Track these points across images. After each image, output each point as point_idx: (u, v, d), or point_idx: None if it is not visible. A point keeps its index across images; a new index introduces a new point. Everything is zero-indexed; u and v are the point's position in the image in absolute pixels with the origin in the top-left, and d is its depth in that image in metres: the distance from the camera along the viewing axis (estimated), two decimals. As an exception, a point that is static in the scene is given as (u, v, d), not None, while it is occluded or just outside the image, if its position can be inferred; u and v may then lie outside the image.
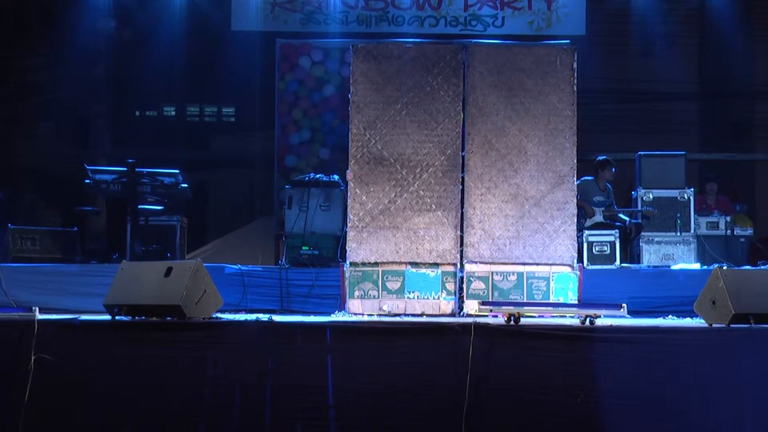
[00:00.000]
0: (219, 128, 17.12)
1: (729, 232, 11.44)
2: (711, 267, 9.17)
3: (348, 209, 8.64)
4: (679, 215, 11.35)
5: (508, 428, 6.26)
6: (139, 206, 10.11)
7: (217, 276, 7.57)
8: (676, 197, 11.46)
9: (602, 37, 14.92)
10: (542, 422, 6.24)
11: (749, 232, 11.69)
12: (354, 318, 8.14)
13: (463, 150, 8.61)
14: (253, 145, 15.21)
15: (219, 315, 7.03)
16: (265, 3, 13.28)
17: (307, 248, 10.22)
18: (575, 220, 8.73)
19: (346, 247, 8.60)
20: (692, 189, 11.53)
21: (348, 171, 8.66)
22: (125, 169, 10.04)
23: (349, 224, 8.60)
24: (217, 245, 14.75)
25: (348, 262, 8.54)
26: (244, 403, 6.32)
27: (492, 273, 8.56)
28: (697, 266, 10.48)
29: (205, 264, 6.99)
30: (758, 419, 6.26)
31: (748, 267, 10.18)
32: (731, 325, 6.65)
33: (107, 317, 6.83)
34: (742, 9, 15.47)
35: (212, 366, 6.37)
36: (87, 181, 10.19)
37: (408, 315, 8.29)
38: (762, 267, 10.31)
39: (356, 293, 8.49)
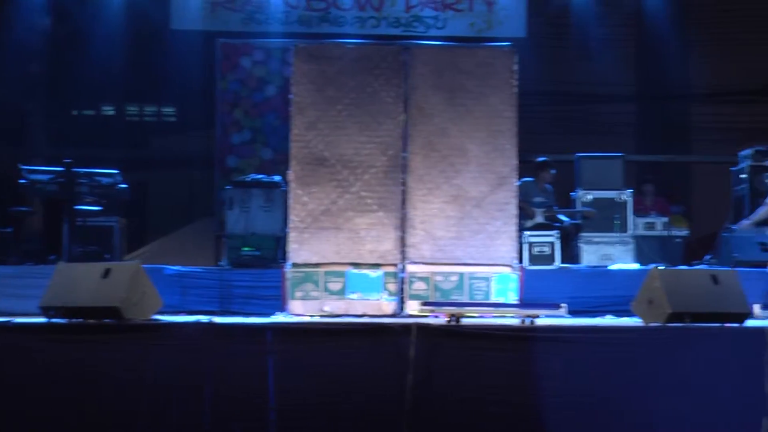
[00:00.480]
0: (159, 128, 16.93)
1: (665, 232, 11.62)
2: (648, 267, 9.31)
3: (289, 210, 8.62)
4: (617, 216, 11.49)
5: (450, 429, 6.29)
6: (77, 207, 9.97)
7: (156, 277, 7.49)
8: (615, 198, 11.60)
9: (542, 40, 15.05)
10: (484, 422, 6.29)
11: (685, 232, 11.89)
12: (295, 319, 8.13)
13: (404, 151, 8.64)
14: (193, 146, 15.08)
15: (158, 317, 6.97)
16: (205, 2, 13.18)
17: (248, 249, 10.17)
18: (516, 220, 8.81)
19: (288, 248, 8.58)
20: (630, 190, 11.69)
21: (289, 171, 8.64)
22: (62, 168, 9.91)
23: (290, 225, 8.58)
24: (156, 246, 14.59)
25: (289, 263, 8.52)
26: (183, 406, 6.27)
27: (433, 274, 8.62)
28: (634, 266, 10.63)
29: (144, 265, 6.93)
30: (695, 416, 6.38)
31: (683, 267, 10.36)
32: (667, 324, 6.77)
33: (43, 319, 6.72)
34: (678, 13, 15.72)
35: (151, 368, 6.30)
36: (22, 181, 10.02)
37: (350, 316, 8.30)
38: (697, 267, 10.50)
39: (297, 294, 8.47)
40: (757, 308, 7.17)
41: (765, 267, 10.06)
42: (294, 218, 8.56)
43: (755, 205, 11.41)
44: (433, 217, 8.64)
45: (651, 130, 16.52)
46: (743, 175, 11.67)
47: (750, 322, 7.05)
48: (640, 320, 7.19)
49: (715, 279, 7.18)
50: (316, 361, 6.32)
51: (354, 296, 8.50)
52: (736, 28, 16.46)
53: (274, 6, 13.03)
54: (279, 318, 8.16)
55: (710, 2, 16.50)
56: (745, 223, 9.65)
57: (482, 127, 8.73)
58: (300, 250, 8.53)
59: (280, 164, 10.96)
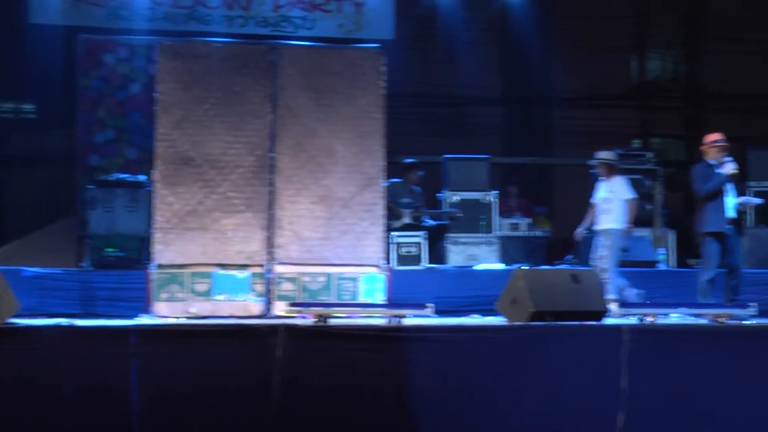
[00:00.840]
0: (17, 125, 16.32)
1: (529, 233, 11.90)
2: (512, 267, 9.52)
3: (154, 210, 8.47)
4: (482, 217, 11.71)
5: (320, 429, 6.29)
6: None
7: (13, 279, 7.25)
8: (480, 200, 11.81)
9: (411, 42, 15.19)
10: (354, 422, 6.31)
11: (548, 233, 12.21)
12: (160, 321, 7.98)
13: (272, 151, 8.60)
14: (54, 144, 14.61)
15: (15, 320, 6.73)
16: (66, -4, 12.79)
17: (111, 250, 9.98)
18: (383, 221, 8.88)
19: (153, 249, 8.42)
20: (495, 192, 11.92)
21: (154, 171, 8.49)
22: None
23: (155, 225, 8.43)
24: (14, 247, 14.08)
25: (154, 264, 8.37)
26: (41, 411, 6.08)
27: (301, 274, 8.61)
28: (499, 266, 10.85)
29: (0, 267, 6.69)
30: (556, 411, 6.56)
31: (546, 267, 10.64)
32: (530, 323, 6.94)
33: None
34: (541, 19, 16.12)
35: (6, 374, 6.09)
36: None
37: (216, 317, 8.21)
38: (559, 267, 10.79)
39: (163, 296, 8.34)
40: (614, 306, 7.41)
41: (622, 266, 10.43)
42: (159, 218, 8.41)
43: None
44: (301, 218, 8.63)
45: (515, 132, 16.89)
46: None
47: (608, 320, 7.29)
48: (505, 319, 7.34)
49: (575, 278, 7.40)
50: (182, 363, 6.22)
51: (221, 297, 8.41)
52: (597, 36, 16.99)
53: (138, 2, 12.75)
54: (143, 320, 8.00)
55: (572, 10, 16.98)
56: (580, 230, 9.97)
57: (350, 128, 8.76)
58: (165, 251, 8.38)
59: (145, 163, 10.72)
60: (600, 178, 9.79)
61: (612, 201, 9.55)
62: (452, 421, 6.46)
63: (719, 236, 8.96)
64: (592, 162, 9.83)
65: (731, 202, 8.97)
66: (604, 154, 9.75)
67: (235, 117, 8.54)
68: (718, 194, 8.99)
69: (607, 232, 9.46)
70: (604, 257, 9.32)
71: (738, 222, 9.01)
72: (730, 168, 8.92)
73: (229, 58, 8.63)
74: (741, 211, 9.04)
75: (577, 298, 7.26)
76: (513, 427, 6.53)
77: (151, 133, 8.79)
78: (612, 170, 9.67)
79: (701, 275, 9.09)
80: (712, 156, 9.10)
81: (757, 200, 9.11)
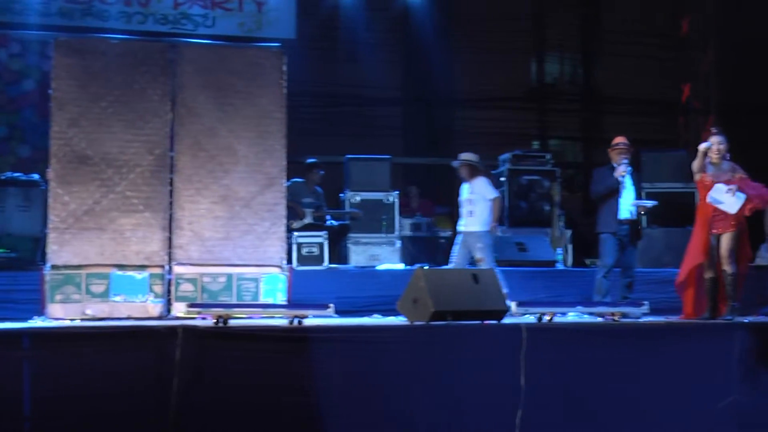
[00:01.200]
0: None
1: (431, 233, 11.99)
2: (414, 267, 9.59)
3: (49, 210, 8.27)
4: (384, 217, 11.75)
5: (219, 430, 6.24)
6: None
7: None
8: (382, 200, 11.85)
9: (312, 42, 15.15)
10: (256, 422, 6.28)
11: (449, 233, 12.32)
12: (55, 323, 7.80)
13: (172, 150, 8.49)
14: (-58, 141, 14.15)
15: None
16: (-49, -11, 12.38)
17: (3, 250, 9.75)
18: (285, 221, 8.85)
19: (47, 250, 8.23)
20: (397, 192, 11.98)
21: (48, 170, 8.29)
22: None
23: (50, 225, 8.24)
24: None
25: (48, 265, 8.18)
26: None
27: (201, 275, 8.53)
28: (400, 266, 10.90)
29: None
30: (457, 410, 6.64)
31: (447, 267, 10.74)
32: (431, 323, 7.00)
33: None
34: (443, 19, 16.28)
35: None
36: None
37: (113, 319, 8.06)
38: (459, 267, 10.89)
39: (57, 297, 8.15)
40: (513, 305, 7.53)
41: (521, 266, 10.61)
42: (54, 218, 8.22)
43: (512, 207, 12.00)
44: (201, 218, 8.55)
45: (417, 133, 17.00)
46: (502, 178, 12.24)
47: (507, 319, 7.41)
48: (406, 319, 7.40)
49: (475, 278, 7.50)
50: (77, 366, 6.09)
51: (118, 299, 8.26)
52: (497, 38, 17.23)
53: (32, -5, 12.41)
54: (37, 323, 7.80)
55: (473, 11, 17.17)
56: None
57: (251, 127, 8.71)
58: (60, 251, 8.20)
59: (39, 162, 10.48)
60: (463, 179, 9.88)
61: (475, 202, 9.66)
62: (355, 421, 6.48)
63: (613, 236, 9.19)
64: (454, 163, 9.93)
65: (627, 203, 9.17)
66: (466, 156, 9.86)
67: (134, 115, 8.40)
68: (611, 195, 9.20)
69: (475, 234, 9.58)
70: (481, 260, 9.45)
71: (635, 223, 9.20)
72: (619, 171, 9.15)
73: (126, 55, 8.49)
74: (639, 213, 9.23)
75: (478, 298, 7.36)
76: (416, 427, 6.58)
77: (45, 131, 8.58)
78: (474, 171, 9.77)
79: (598, 274, 9.30)
80: (614, 159, 9.31)
81: (651, 202, 9.33)
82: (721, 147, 8.27)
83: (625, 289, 9.14)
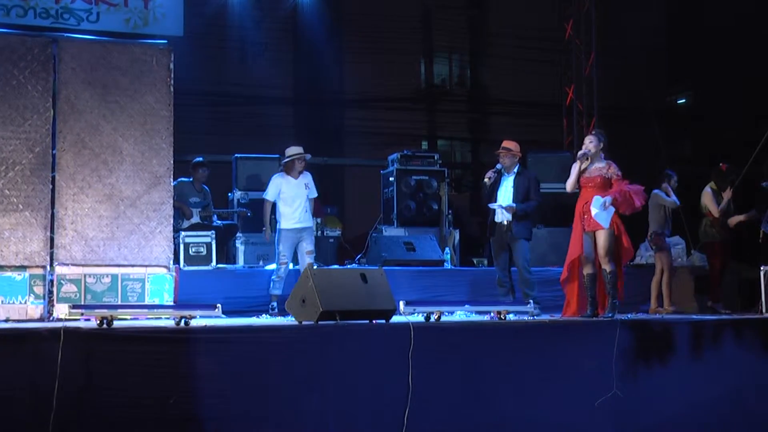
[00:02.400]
0: None
1: (319, 233, 11.97)
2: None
3: None
4: (273, 217, 11.66)
5: (105, 433, 6.11)
6: None
7: None
8: (271, 199, 11.76)
9: (200, 40, 15.01)
10: (142, 427, 6.15)
11: (338, 233, 12.33)
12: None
13: (54, 148, 8.27)
14: None
15: None
16: None
17: None
18: (171, 221, 8.73)
19: None
20: (286, 191, 11.89)
21: None
22: None
23: (-77, 225, 7.92)
24: None
25: None
26: None
27: (85, 275, 8.34)
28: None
29: None
30: (339, 409, 6.63)
31: (336, 266, 10.75)
32: (319, 322, 6.98)
33: None
34: (332, 20, 16.31)
35: None
36: None
37: (-9, 321, 7.81)
38: (349, 266, 10.93)
39: (-69, 299, 7.85)
40: (402, 305, 7.56)
41: (410, 265, 10.69)
42: (-72, 219, 7.92)
43: (401, 206, 12.09)
44: (85, 217, 8.35)
45: (306, 132, 16.98)
46: (391, 178, 12.31)
47: (396, 318, 7.44)
48: (294, 319, 7.37)
49: (364, 278, 7.51)
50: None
51: (-5, 300, 8.01)
52: (386, 39, 17.34)
53: None
54: None
55: (364, 12, 17.25)
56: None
57: (137, 125, 8.56)
58: (-66, 252, 7.91)
59: None
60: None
61: (309, 197, 9.81)
62: (242, 423, 6.42)
63: (491, 237, 9.41)
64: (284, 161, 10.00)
65: (496, 205, 9.34)
66: (293, 150, 9.97)
67: (12, 111, 8.15)
68: (488, 199, 9.38)
69: (311, 229, 9.74)
70: (311, 252, 9.58)
71: (511, 224, 9.31)
72: (486, 175, 9.34)
73: (4, 50, 8.21)
74: (514, 214, 9.34)
75: (366, 298, 7.37)
76: (304, 427, 6.56)
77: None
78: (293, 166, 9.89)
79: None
80: (501, 161, 9.45)
81: (507, 204, 9.37)
82: (591, 145, 8.51)
83: (523, 287, 9.28)
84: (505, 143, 9.47)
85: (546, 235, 11.73)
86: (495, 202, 9.32)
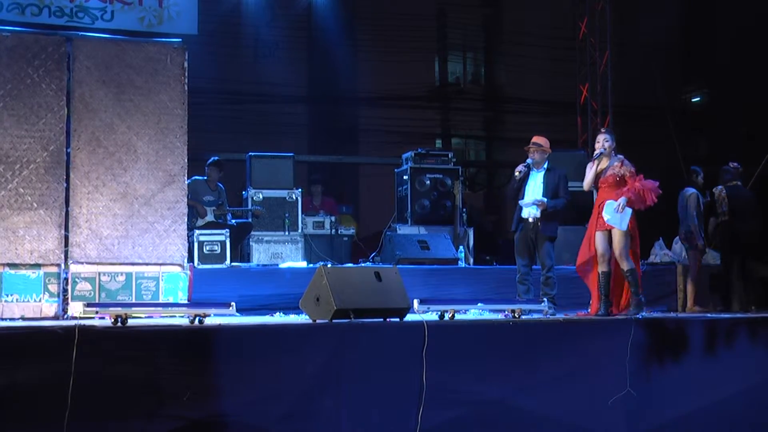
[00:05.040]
0: None
1: (334, 231, 11.97)
2: (316, 265, 9.54)
3: (-63, 207, 7.99)
4: (287, 215, 11.69)
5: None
6: None
7: None
8: (285, 197, 11.79)
9: (215, 38, 15.04)
10: (157, 423, 6.15)
11: (352, 231, 12.31)
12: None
13: (68, 146, 8.28)
14: None
15: None
16: None
17: None
18: (186, 219, 8.74)
19: (-65, 248, 7.95)
20: (299, 190, 11.93)
21: (-65, 167, 8.01)
22: None
23: (-62, 223, 7.95)
24: None
25: (-64, 265, 7.90)
26: None
27: (99, 274, 8.37)
28: (303, 264, 10.85)
29: None
30: (352, 408, 6.61)
31: (350, 265, 10.73)
32: (333, 321, 6.97)
33: None
34: (348, 18, 16.30)
35: None
36: None
37: (5, 319, 7.82)
38: (362, 265, 10.91)
39: (-54, 298, 7.87)
40: (416, 303, 7.54)
41: (424, 264, 10.65)
42: (-57, 216, 7.95)
43: (415, 205, 12.07)
44: (100, 215, 8.37)
45: (321, 131, 17.01)
46: (405, 176, 12.29)
47: (410, 317, 7.42)
48: (308, 317, 7.35)
49: (378, 276, 7.48)
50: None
51: (11, 299, 8.02)
52: (401, 37, 17.34)
53: None
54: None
55: (377, 10, 17.26)
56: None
57: (152, 124, 8.57)
58: (-53, 250, 7.93)
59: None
60: None
61: None
62: (256, 423, 6.41)
63: (516, 234, 9.30)
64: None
65: (530, 201, 9.25)
66: None
67: (27, 110, 8.17)
68: (515, 194, 9.28)
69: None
70: None
71: (540, 221, 9.25)
72: (516, 169, 9.25)
73: (18, 48, 8.23)
74: (543, 211, 9.28)
75: (380, 296, 7.35)
76: (317, 426, 6.54)
77: (-68, 126, 8.27)
78: None
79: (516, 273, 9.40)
80: (530, 157, 9.38)
81: (539, 200, 9.32)
82: (606, 143, 8.46)
83: (543, 286, 9.20)
84: (536, 138, 9.37)
85: (560, 233, 11.66)
86: (522, 198, 9.24)
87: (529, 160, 9.26)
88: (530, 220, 9.17)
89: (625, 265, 8.27)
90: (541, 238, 9.16)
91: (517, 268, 9.34)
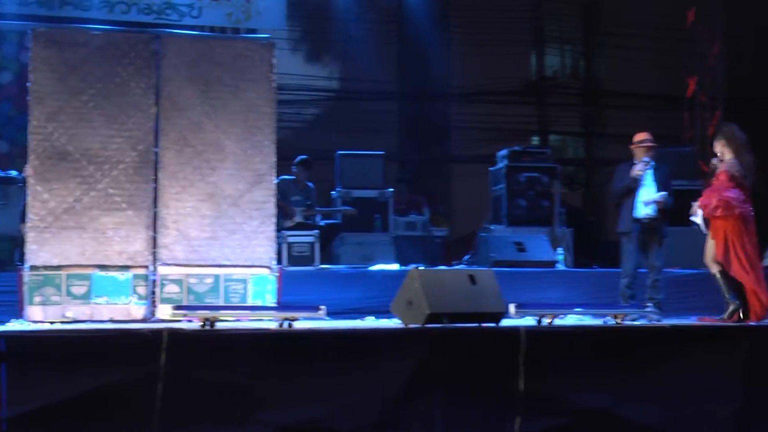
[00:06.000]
0: None
1: (426, 232, 11.99)
2: (408, 267, 9.57)
3: (27, 208, 8.24)
4: (378, 216, 11.74)
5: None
6: None
7: None
8: (376, 197, 11.84)
9: (303, 33, 15.18)
10: (245, 427, 6.26)
11: (445, 232, 12.31)
12: (33, 326, 7.77)
13: (156, 146, 8.46)
14: None
15: None
16: (-73, -24, 12.31)
17: (-20, 250, 9.73)
18: (274, 220, 8.83)
19: (26, 249, 8.19)
20: (391, 189, 11.97)
21: (27, 166, 8.27)
22: None
23: (29, 224, 8.20)
24: None
25: (27, 266, 8.15)
26: None
27: (187, 276, 8.48)
28: (395, 267, 10.89)
29: None
30: (446, 416, 6.63)
31: (443, 267, 10.73)
32: (426, 325, 6.99)
33: None
34: (440, 11, 16.29)
35: None
36: None
37: (95, 321, 8.04)
38: (456, 267, 10.91)
39: (36, 299, 8.10)
40: (512, 307, 7.52)
41: (520, 266, 10.60)
42: (33, 217, 8.18)
43: (511, 205, 12.00)
44: (187, 216, 8.51)
45: (412, 128, 17.02)
46: (501, 175, 12.23)
47: (506, 322, 7.40)
48: (400, 322, 7.38)
49: (472, 279, 7.48)
50: (57, 369, 6.07)
51: (100, 300, 8.23)
52: (495, 30, 17.25)
53: (8, -16, 12.37)
54: (15, 326, 7.78)
55: (470, 2, 17.19)
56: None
57: (239, 122, 8.68)
58: (39, 251, 8.16)
59: (17, 158, 10.48)
60: None
61: None
62: (344, 427, 6.47)
63: (629, 237, 9.18)
64: None
65: (646, 199, 9.13)
66: None
67: (116, 109, 8.35)
68: (628, 195, 9.19)
69: None
70: None
71: (654, 220, 9.15)
72: (635, 170, 9.14)
73: (108, 47, 8.43)
74: (660, 209, 9.16)
75: (475, 300, 7.34)
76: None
77: (23, 126, 8.54)
78: None
79: (621, 278, 9.28)
80: (637, 156, 9.29)
81: (661, 194, 9.18)
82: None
83: (650, 290, 9.08)
84: (648, 136, 9.33)
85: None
86: (638, 198, 9.16)
87: (646, 158, 9.16)
88: (645, 220, 9.09)
89: (712, 269, 8.35)
90: (654, 239, 9.08)
91: (625, 271, 9.21)
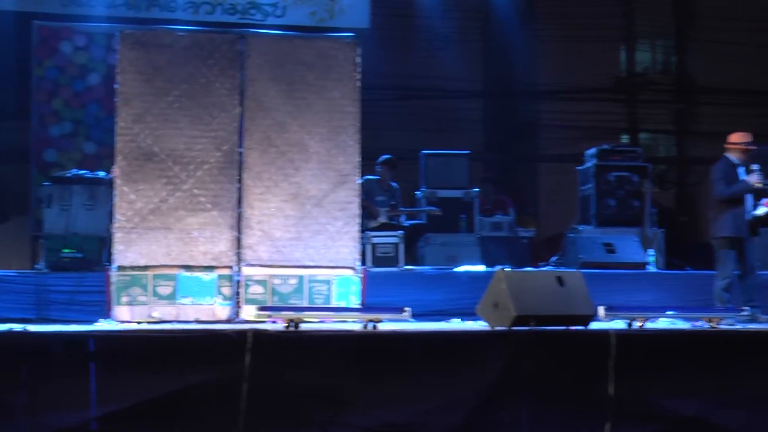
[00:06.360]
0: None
1: (512, 233, 11.92)
2: (494, 269, 9.54)
3: (115, 208, 8.42)
4: (463, 216, 11.72)
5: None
6: None
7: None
8: (461, 197, 11.82)
9: (387, 32, 15.21)
10: (331, 428, 6.31)
11: (531, 233, 12.23)
12: (121, 326, 7.95)
13: (240, 146, 8.57)
14: (6, 138, 14.52)
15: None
16: (19, -20, 12.68)
17: (68, 250, 9.96)
18: (358, 220, 8.86)
19: (113, 250, 8.38)
20: (476, 189, 11.94)
21: (114, 167, 8.45)
22: None
23: (115, 225, 8.38)
24: (-36, 249, 13.98)
25: (115, 266, 8.33)
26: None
27: (271, 276, 8.57)
28: (480, 268, 10.85)
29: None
30: (532, 421, 6.58)
31: (530, 268, 10.67)
32: (513, 328, 6.95)
33: None
34: (525, 8, 16.18)
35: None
36: None
37: (180, 322, 8.18)
38: (543, 268, 10.83)
39: (124, 299, 8.29)
40: (601, 310, 7.44)
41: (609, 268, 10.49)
42: (120, 217, 8.36)
43: (600, 205, 11.88)
44: (271, 217, 8.60)
45: (498, 127, 16.94)
46: (589, 174, 12.10)
47: (595, 325, 7.33)
48: (486, 324, 7.36)
49: (560, 281, 7.42)
50: (144, 369, 6.20)
51: (185, 301, 8.37)
52: (583, 26, 17.08)
53: (97, -13, 12.67)
54: (103, 325, 7.96)
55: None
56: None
57: (323, 122, 8.74)
58: (126, 251, 8.34)
59: (105, 159, 10.71)
60: None
61: None
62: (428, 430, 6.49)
63: (736, 241, 9.06)
64: None
65: (749, 204, 9.06)
66: None
67: (201, 110, 8.48)
68: (739, 198, 9.09)
69: None
70: None
71: (754, 224, 9.05)
72: (755, 179, 9.04)
73: (193, 48, 8.58)
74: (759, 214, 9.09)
75: (562, 302, 7.28)
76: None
77: (110, 127, 8.74)
78: None
79: (717, 281, 9.14)
80: (737, 156, 9.16)
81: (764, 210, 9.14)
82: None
83: (748, 292, 8.97)
84: (749, 137, 9.23)
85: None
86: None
87: (755, 166, 9.09)
88: (755, 224, 9.03)
89: None
90: (752, 240, 8.98)
91: (724, 273, 9.08)
